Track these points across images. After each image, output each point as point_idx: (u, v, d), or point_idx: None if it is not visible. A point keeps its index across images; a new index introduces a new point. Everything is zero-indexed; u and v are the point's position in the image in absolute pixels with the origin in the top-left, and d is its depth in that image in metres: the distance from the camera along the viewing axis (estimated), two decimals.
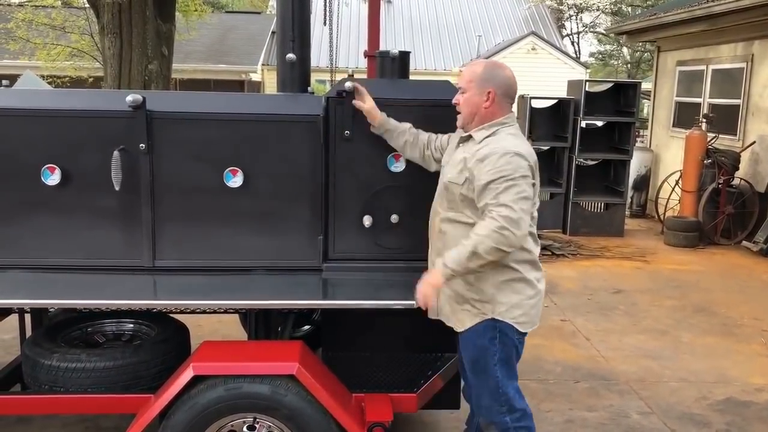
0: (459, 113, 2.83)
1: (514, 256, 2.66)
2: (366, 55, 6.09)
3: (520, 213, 2.55)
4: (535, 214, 2.78)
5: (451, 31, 27.06)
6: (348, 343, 3.29)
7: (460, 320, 2.84)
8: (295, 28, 3.32)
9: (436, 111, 3.16)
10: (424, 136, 3.05)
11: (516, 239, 2.55)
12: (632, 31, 12.51)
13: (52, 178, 3.07)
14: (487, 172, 2.60)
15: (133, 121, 3.04)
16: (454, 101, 2.84)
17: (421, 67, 24.05)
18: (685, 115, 10.93)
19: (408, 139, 3.04)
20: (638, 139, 11.81)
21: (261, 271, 3.19)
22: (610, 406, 4.24)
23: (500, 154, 2.61)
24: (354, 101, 3.05)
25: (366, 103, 3.04)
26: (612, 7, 33.98)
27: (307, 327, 3.92)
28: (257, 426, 2.77)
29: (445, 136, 3.03)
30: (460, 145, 2.84)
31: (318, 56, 19.75)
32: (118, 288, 3.02)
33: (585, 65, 26.31)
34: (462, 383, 3.23)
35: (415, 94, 3.18)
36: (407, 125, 3.06)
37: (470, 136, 2.79)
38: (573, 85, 9.92)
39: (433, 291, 2.63)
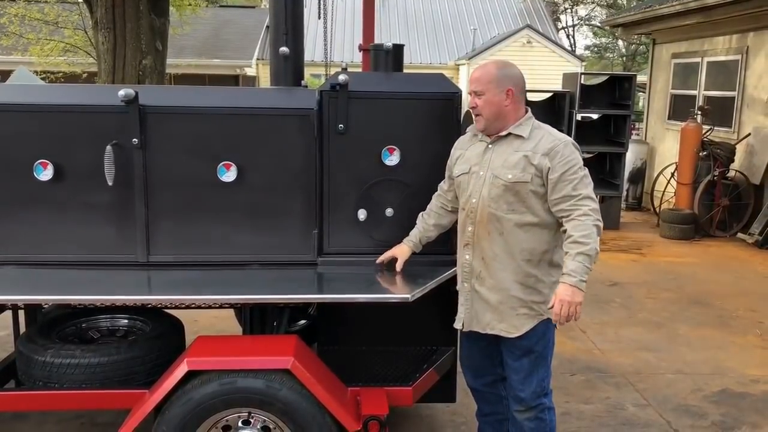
0: (479, 116, 2.81)
1: (562, 253, 2.72)
2: (361, 48, 6.08)
3: (596, 200, 2.74)
4: None
5: (446, 24, 27.01)
6: (343, 337, 3.29)
7: (516, 326, 2.81)
8: (287, 21, 3.30)
9: (428, 104, 3.15)
10: (437, 201, 3.07)
11: (602, 226, 2.69)
12: (627, 24, 12.51)
13: (45, 173, 3.05)
14: (559, 164, 2.71)
15: (125, 115, 3.02)
16: (471, 105, 2.82)
17: (416, 61, 24.00)
18: (680, 108, 10.94)
19: (439, 222, 3.07)
20: (634, 132, 11.79)
21: (256, 265, 3.17)
22: (606, 398, 4.24)
23: (564, 144, 2.75)
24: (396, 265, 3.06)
25: (400, 264, 3.06)
26: None
27: (302, 321, 3.91)
28: (252, 421, 2.76)
29: (448, 166, 2.99)
30: (491, 146, 2.83)
31: (313, 50, 19.76)
32: (112, 283, 3.00)
33: (580, 58, 26.32)
34: (467, 380, 3.16)
35: (409, 87, 3.17)
36: (424, 220, 3.08)
37: (509, 134, 2.79)
38: (568, 78, 9.91)
39: (579, 308, 2.59)
